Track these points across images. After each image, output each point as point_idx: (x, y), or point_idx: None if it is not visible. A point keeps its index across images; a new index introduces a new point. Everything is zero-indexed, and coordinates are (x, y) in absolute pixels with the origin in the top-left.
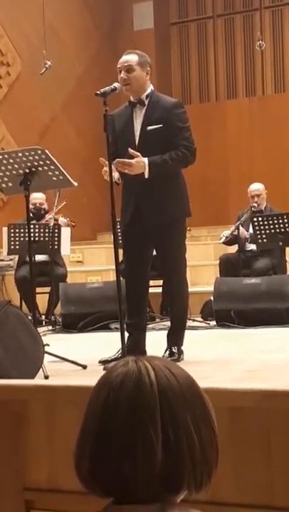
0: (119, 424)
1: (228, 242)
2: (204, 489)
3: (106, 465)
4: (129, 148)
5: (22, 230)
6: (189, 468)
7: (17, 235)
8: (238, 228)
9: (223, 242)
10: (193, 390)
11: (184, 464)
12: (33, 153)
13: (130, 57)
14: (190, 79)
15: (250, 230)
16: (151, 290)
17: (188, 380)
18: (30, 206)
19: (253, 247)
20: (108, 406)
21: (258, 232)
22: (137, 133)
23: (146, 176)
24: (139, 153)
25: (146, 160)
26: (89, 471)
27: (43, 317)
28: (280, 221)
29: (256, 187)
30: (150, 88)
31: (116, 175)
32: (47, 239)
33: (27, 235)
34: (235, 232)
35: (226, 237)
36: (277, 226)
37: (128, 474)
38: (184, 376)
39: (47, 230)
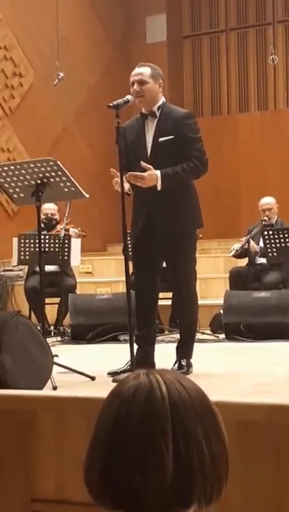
0: (130, 436)
1: (239, 255)
2: (214, 503)
3: (116, 477)
4: (142, 162)
5: (32, 241)
6: (200, 481)
7: (27, 245)
8: (248, 242)
9: (234, 255)
10: (204, 403)
11: (195, 477)
12: (45, 164)
13: (143, 70)
14: (202, 92)
15: (261, 244)
16: (160, 302)
17: (199, 394)
18: (42, 216)
19: (263, 260)
20: (119, 418)
21: (268, 245)
22: (149, 144)
23: (159, 188)
24: (151, 166)
25: (158, 172)
26: (99, 482)
27: (52, 328)
28: None
29: (267, 201)
30: (162, 100)
31: (127, 186)
32: (57, 249)
33: (37, 245)
34: (246, 246)
35: (236, 251)
36: (287, 240)
37: (139, 487)
38: (195, 389)
39: (57, 241)
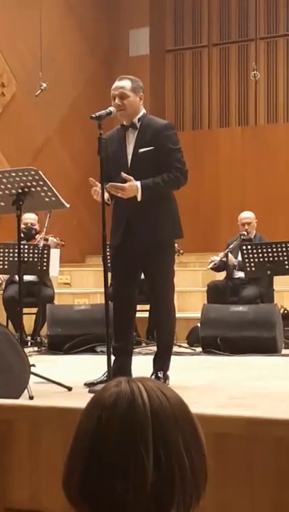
0: (111, 443)
1: (217, 268)
2: (192, 511)
3: (96, 484)
4: (122, 173)
5: (11, 250)
6: (180, 489)
7: (6, 254)
8: (226, 255)
9: (212, 268)
10: (185, 412)
11: (175, 485)
12: (26, 173)
13: (124, 84)
14: (183, 106)
15: (239, 258)
16: (138, 314)
17: (180, 403)
18: (22, 226)
19: (241, 274)
20: (100, 425)
21: (246, 260)
22: (130, 156)
23: (139, 199)
24: (131, 178)
25: (138, 183)
26: (78, 489)
27: (29, 338)
28: (269, 250)
29: (247, 215)
30: (142, 112)
31: (106, 195)
32: (36, 259)
33: (16, 255)
34: (224, 259)
35: (215, 264)
36: (265, 255)
37: (119, 494)
38: (176, 398)
39: (36, 251)
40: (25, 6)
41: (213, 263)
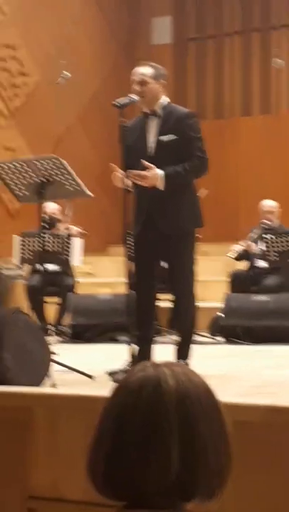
0: (136, 428)
1: (238, 257)
2: (216, 499)
3: (121, 469)
4: (143, 160)
5: (34, 239)
6: (203, 477)
7: (29, 243)
8: (249, 244)
9: (234, 257)
10: (211, 399)
11: (199, 473)
12: (48, 161)
13: (145, 70)
14: (206, 95)
15: (261, 247)
16: (159, 303)
17: (206, 388)
18: (44, 215)
19: (263, 264)
20: (126, 410)
21: (269, 249)
22: (151, 144)
23: (162, 189)
24: (153, 166)
25: (161, 172)
26: (103, 473)
27: (52, 327)
28: None
29: (269, 203)
30: (165, 100)
31: (128, 182)
32: (59, 249)
33: (39, 244)
34: (245, 247)
35: (237, 252)
36: (288, 244)
37: (143, 480)
38: (202, 384)
39: (59, 240)
40: None
41: (236, 252)
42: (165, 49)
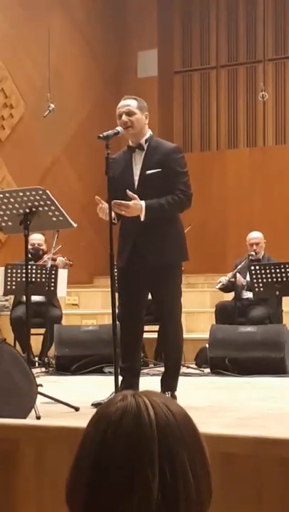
0: (117, 460)
1: (225, 288)
2: None
3: (101, 502)
4: (128, 190)
5: (19, 271)
6: (184, 508)
7: (14, 275)
8: (234, 276)
9: (220, 289)
10: (191, 429)
11: (180, 505)
12: (34, 193)
13: (130, 102)
14: (192, 127)
15: (248, 278)
16: (146, 335)
17: (186, 419)
18: (29, 246)
19: (249, 295)
20: (106, 441)
21: (254, 280)
22: (136, 177)
23: (142, 219)
24: (136, 196)
25: (143, 203)
26: (84, 505)
27: (37, 359)
28: (278, 270)
29: (255, 235)
30: (149, 133)
31: (113, 214)
32: (44, 280)
33: (24, 275)
34: (232, 279)
35: (223, 284)
36: (274, 275)
37: (123, 510)
38: (182, 414)
39: (44, 271)
40: (33, 26)
41: (221, 283)
42: (151, 82)
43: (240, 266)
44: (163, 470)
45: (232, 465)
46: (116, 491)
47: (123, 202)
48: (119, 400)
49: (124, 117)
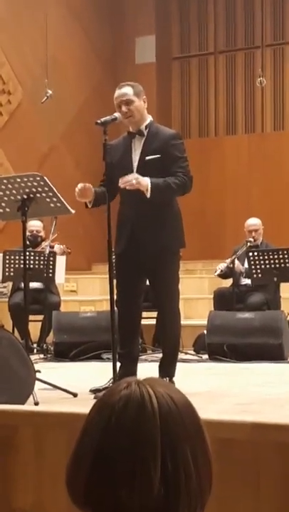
0: (120, 449)
1: (223, 275)
2: None
3: (102, 489)
4: (127, 175)
5: (17, 257)
6: (185, 498)
7: (12, 261)
8: (233, 262)
9: (218, 275)
10: (194, 419)
11: (180, 494)
12: (31, 179)
13: (126, 90)
14: (190, 113)
15: (246, 265)
16: (144, 321)
17: (190, 409)
18: (27, 233)
19: (247, 281)
20: (109, 428)
21: (253, 266)
22: (135, 163)
23: (148, 196)
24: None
25: (148, 179)
26: (84, 491)
27: (35, 345)
28: (276, 256)
29: (253, 222)
30: (149, 119)
31: (89, 198)
32: (42, 266)
33: (22, 261)
34: (231, 266)
35: (222, 270)
36: (272, 261)
37: (123, 501)
38: (185, 404)
39: (42, 258)
40: (30, 13)
41: (219, 270)
42: (149, 68)
43: (238, 253)
44: (165, 459)
45: (230, 450)
46: (118, 478)
47: (129, 176)
48: (124, 387)
49: (123, 108)
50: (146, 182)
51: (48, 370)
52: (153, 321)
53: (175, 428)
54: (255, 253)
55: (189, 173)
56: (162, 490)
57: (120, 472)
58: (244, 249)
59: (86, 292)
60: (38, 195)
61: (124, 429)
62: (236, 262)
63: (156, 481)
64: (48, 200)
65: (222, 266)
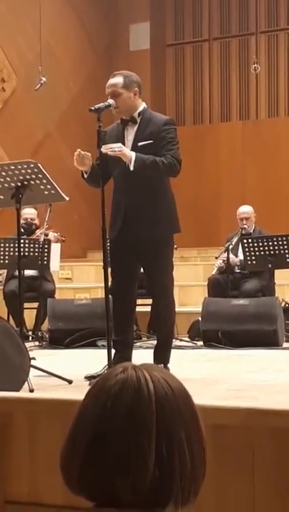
0: (115, 432)
1: (220, 272)
2: (190, 504)
3: (97, 472)
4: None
5: (12, 245)
6: (178, 484)
7: (6, 249)
8: (228, 254)
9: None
10: (189, 405)
11: (174, 479)
12: (25, 166)
13: (115, 81)
14: (184, 100)
15: (240, 256)
16: (139, 309)
17: (185, 395)
18: (22, 221)
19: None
20: (105, 413)
21: (247, 253)
22: (128, 149)
23: (132, 168)
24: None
25: (133, 153)
26: (78, 475)
27: (30, 332)
28: (270, 243)
29: (245, 209)
30: (143, 106)
31: (86, 167)
32: (36, 254)
33: (16, 249)
34: (226, 261)
35: (219, 268)
36: (266, 248)
37: (118, 485)
38: (181, 390)
39: (37, 245)
40: (24, 1)
41: (216, 268)
42: (143, 55)
43: (234, 242)
44: (160, 443)
45: (224, 436)
46: (112, 462)
47: (113, 145)
48: (120, 372)
49: (109, 100)
50: (130, 153)
51: (43, 358)
52: (148, 308)
53: (170, 413)
54: (249, 240)
55: (179, 156)
56: (156, 474)
57: (115, 455)
58: (237, 237)
59: (81, 280)
60: (33, 182)
61: (120, 413)
62: (231, 256)
63: (151, 464)
64: (42, 187)
65: (218, 263)
